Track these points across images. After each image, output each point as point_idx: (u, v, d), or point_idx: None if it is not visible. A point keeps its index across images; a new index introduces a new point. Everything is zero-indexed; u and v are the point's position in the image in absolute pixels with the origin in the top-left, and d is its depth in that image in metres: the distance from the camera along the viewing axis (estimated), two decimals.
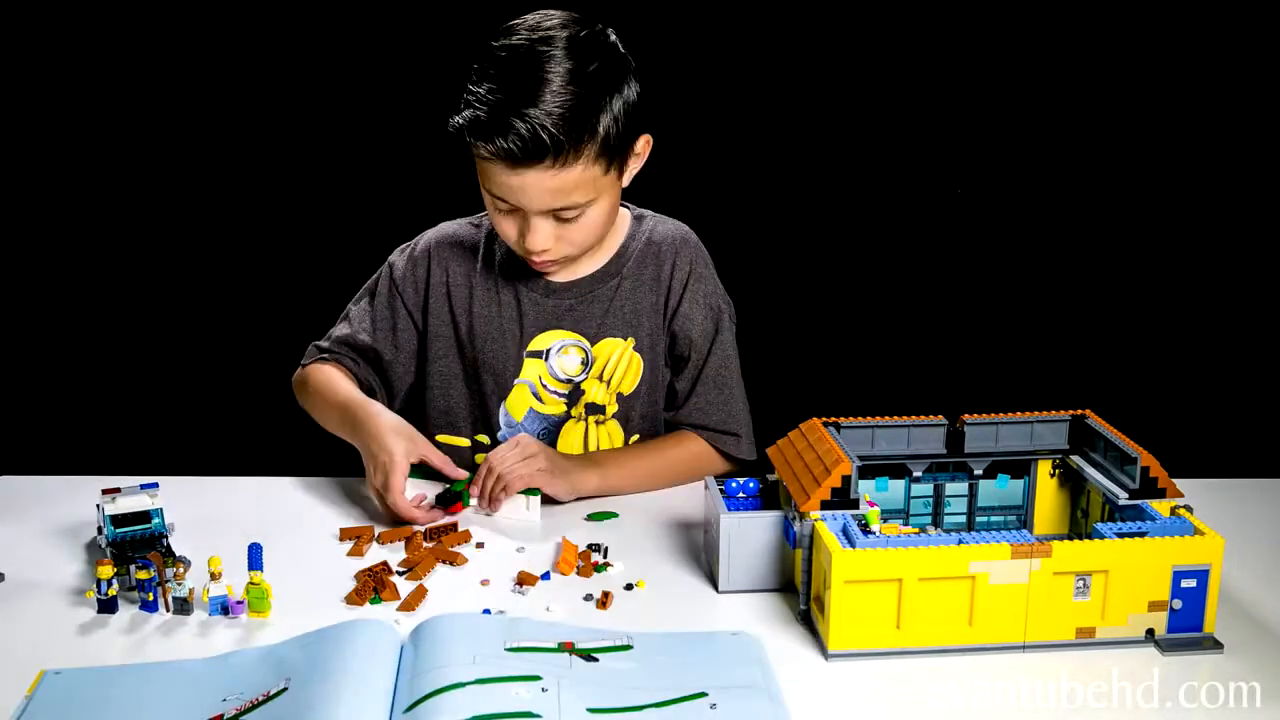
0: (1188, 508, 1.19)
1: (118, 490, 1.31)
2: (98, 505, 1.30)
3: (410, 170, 2.34)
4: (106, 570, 1.19)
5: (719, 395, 1.62)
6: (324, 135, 2.37)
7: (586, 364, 1.59)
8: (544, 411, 1.60)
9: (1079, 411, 1.34)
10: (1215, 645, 1.13)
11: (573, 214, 1.47)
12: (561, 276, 1.60)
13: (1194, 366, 2.43)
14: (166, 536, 1.28)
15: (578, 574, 1.29)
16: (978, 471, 1.34)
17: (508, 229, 1.50)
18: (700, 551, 1.34)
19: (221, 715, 1.01)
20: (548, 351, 1.59)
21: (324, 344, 1.64)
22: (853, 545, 1.11)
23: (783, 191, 2.42)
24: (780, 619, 1.20)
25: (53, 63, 2.33)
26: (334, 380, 1.59)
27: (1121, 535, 1.13)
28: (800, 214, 2.42)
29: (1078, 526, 1.34)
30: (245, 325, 2.42)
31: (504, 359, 1.60)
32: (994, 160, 2.40)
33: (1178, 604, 1.13)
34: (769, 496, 1.32)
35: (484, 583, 1.28)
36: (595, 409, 1.60)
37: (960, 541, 1.11)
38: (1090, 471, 1.29)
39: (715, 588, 1.25)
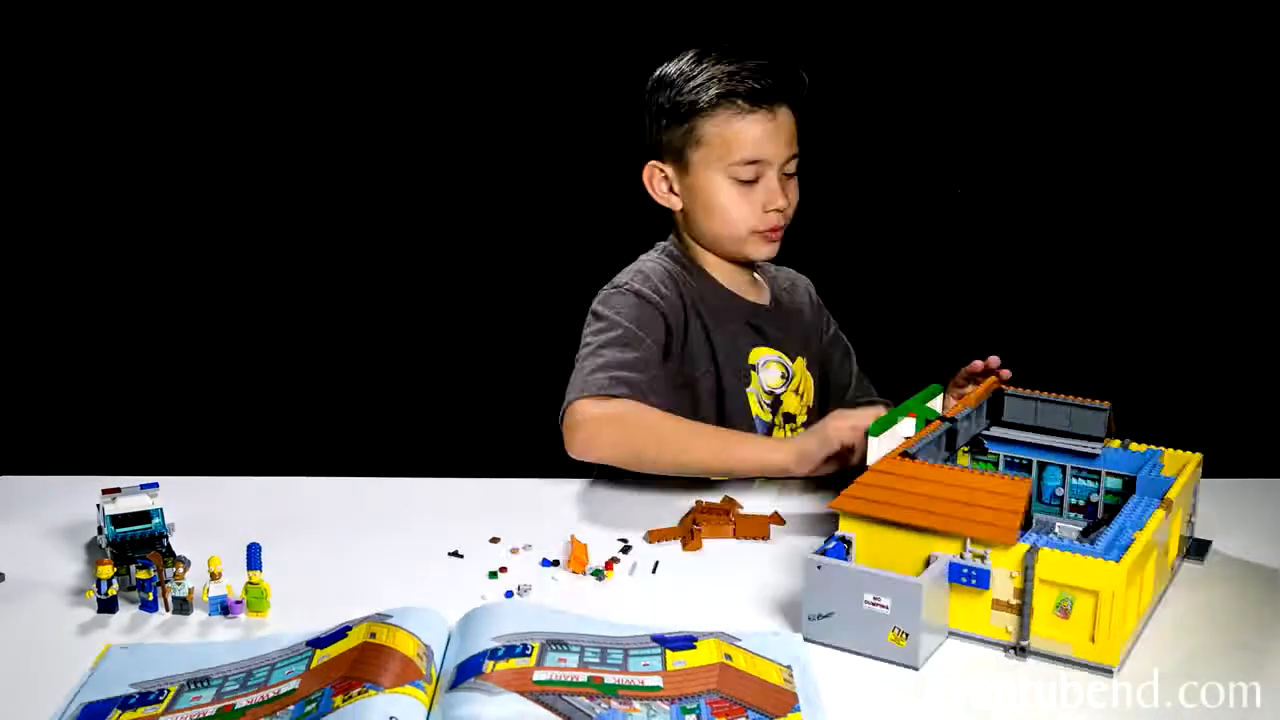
0: None
1: (118, 490, 1.31)
2: (98, 505, 1.30)
3: (406, 174, 2.34)
4: (106, 570, 1.19)
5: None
6: (322, 141, 2.37)
7: (786, 378, 1.68)
8: (763, 418, 1.67)
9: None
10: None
11: (794, 167, 1.62)
12: (750, 297, 1.70)
13: (1204, 366, 2.43)
14: (166, 536, 1.28)
15: (594, 577, 1.29)
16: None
17: (747, 207, 1.60)
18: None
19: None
20: (756, 366, 1.67)
21: (611, 377, 1.49)
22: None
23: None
24: None
25: (56, 65, 2.34)
26: (664, 414, 1.49)
27: None
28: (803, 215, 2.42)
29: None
30: (245, 326, 2.42)
31: (739, 371, 1.65)
32: (995, 160, 2.40)
33: None
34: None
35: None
36: (790, 418, 1.69)
37: None
38: None
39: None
